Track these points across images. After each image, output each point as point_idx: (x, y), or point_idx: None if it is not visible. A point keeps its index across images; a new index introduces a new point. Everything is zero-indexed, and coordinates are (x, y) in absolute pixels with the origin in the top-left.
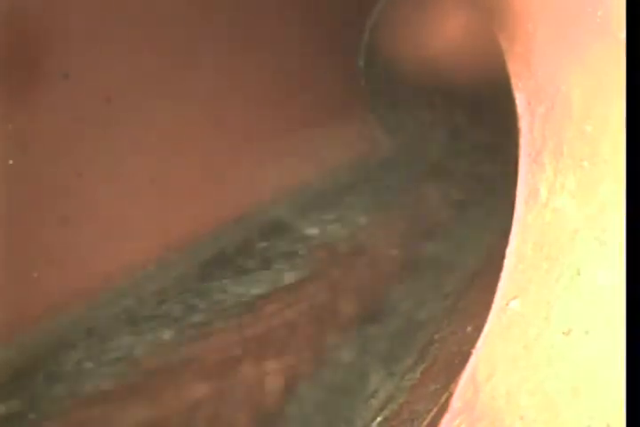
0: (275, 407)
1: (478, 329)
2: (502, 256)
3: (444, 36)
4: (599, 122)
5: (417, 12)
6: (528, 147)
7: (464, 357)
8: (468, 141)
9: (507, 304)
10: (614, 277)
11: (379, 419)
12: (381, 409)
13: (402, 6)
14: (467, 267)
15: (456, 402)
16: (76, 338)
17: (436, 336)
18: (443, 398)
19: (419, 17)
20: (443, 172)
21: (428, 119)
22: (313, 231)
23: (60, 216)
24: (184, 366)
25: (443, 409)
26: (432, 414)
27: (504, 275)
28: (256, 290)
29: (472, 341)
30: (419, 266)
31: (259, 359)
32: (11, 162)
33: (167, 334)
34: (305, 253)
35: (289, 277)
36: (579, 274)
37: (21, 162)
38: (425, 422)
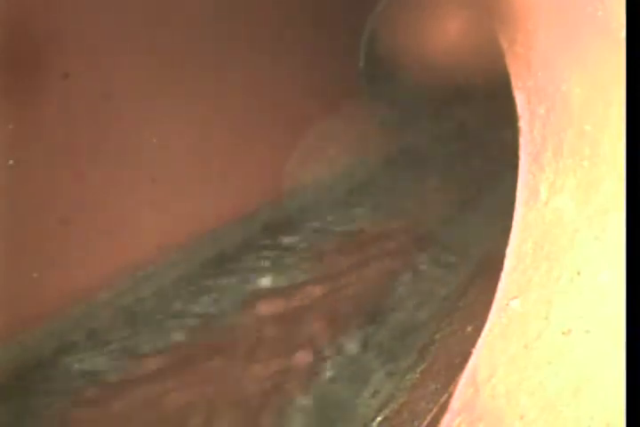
0: (277, 407)
1: (478, 329)
2: (502, 256)
3: (444, 35)
4: (599, 122)
5: (417, 13)
6: (528, 147)
7: (464, 357)
8: (468, 140)
9: (507, 304)
10: (614, 277)
11: (379, 419)
12: (381, 409)
13: (402, 6)
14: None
15: (456, 402)
16: (75, 338)
17: (437, 336)
18: (443, 399)
19: (419, 17)
20: (443, 171)
21: (427, 119)
22: (316, 229)
23: (60, 216)
24: (183, 369)
25: (443, 409)
26: (432, 414)
27: (504, 275)
28: (257, 288)
29: (472, 340)
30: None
31: (256, 359)
32: (11, 162)
33: (166, 334)
34: (308, 253)
35: (290, 276)
36: (579, 274)
37: (21, 162)
38: (425, 422)
